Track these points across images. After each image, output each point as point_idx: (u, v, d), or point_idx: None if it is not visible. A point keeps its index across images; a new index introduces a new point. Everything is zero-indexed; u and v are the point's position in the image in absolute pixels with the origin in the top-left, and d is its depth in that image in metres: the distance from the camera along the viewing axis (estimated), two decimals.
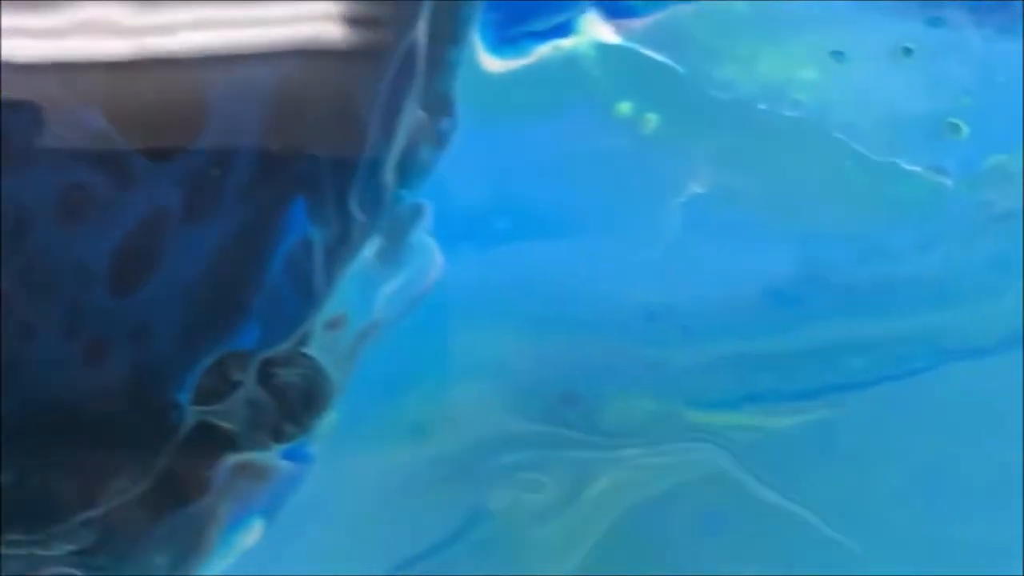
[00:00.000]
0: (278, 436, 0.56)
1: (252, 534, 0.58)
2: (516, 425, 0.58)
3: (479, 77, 0.59)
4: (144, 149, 0.56)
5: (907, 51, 0.60)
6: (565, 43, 0.59)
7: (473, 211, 0.59)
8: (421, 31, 0.58)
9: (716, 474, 0.59)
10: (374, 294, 0.58)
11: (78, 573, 0.55)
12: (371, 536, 0.59)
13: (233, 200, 0.57)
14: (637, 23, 0.59)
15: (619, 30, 0.59)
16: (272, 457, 0.57)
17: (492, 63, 0.59)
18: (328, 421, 0.58)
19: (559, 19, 0.59)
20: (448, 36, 0.59)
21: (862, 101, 0.60)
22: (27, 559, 0.55)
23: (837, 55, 0.60)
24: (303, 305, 0.57)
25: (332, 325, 0.58)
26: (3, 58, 0.55)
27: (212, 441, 0.56)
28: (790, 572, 0.59)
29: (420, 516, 0.58)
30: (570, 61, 0.59)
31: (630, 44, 0.59)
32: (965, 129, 0.61)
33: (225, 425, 0.57)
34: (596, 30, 0.59)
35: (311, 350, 0.57)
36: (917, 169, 0.60)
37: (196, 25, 0.58)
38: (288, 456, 0.58)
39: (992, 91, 0.60)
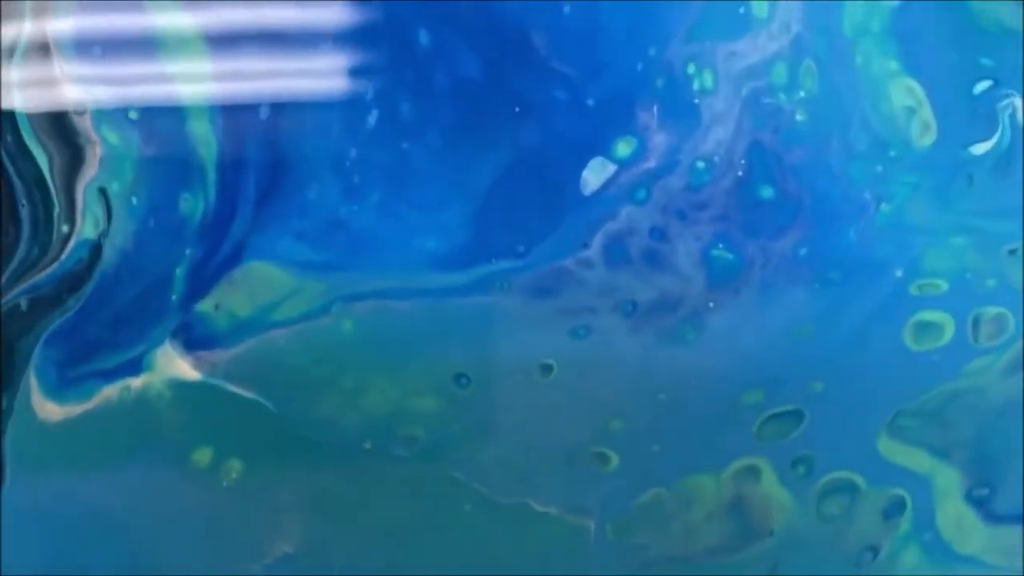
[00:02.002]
0: None
1: None
2: None
3: (33, 426, 0.51)
4: None
5: (546, 368, 0.50)
6: (135, 382, 0.51)
7: None
8: None
9: None
10: None
11: None
12: None
13: None
14: (221, 355, 0.51)
15: (199, 364, 0.51)
16: None
17: (50, 410, 0.51)
18: None
19: (129, 355, 0.51)
20: None
21: (487, 433, 0.50)
22: None
23: (461, 379, 0.50)
24: None
25: None
26: None
27: None
28: None
29: None
30: (140, 403, 0.51)
31: (212, 380, 0.51)
32: (615, 460, 0.50)
33: None
34: (172, 366, 0.51)
35: None
36: (552, 511, 0.50)
37: None
38: None
39: (650, 411, 0.50)
